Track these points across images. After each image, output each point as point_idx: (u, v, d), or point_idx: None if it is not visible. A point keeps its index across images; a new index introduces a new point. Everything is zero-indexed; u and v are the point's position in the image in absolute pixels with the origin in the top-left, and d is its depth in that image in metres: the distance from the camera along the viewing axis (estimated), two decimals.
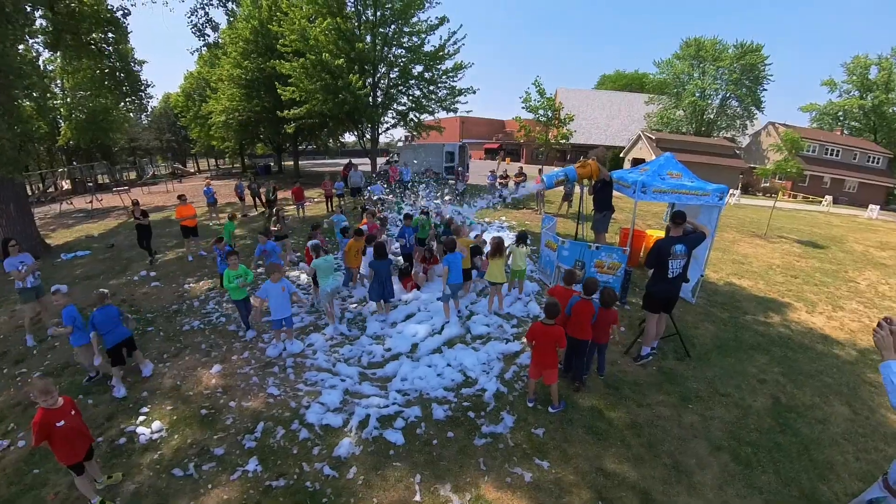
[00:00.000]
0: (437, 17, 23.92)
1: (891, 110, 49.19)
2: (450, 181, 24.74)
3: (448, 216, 12.09)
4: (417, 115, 27.03)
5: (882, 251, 16.69)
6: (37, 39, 16.67)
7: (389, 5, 23.18)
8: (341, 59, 21.53)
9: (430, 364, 6.95)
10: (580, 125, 49.36)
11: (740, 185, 39.33)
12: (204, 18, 20.81)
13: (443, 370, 6.80)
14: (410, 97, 26.55)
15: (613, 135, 54.28)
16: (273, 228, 11.98)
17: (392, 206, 14.91)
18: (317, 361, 7.11)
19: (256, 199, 20.16)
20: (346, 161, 28.59)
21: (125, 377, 6.53)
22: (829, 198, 34.78)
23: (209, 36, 21.72)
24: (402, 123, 27.86)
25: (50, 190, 32.70)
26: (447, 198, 15.91)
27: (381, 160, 30.93)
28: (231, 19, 25.60)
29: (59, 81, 33.47)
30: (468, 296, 9.41)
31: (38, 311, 8.36)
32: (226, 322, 8.53)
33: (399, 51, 25.06)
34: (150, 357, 7.17)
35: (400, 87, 26.27)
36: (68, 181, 34.19)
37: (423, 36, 24.35)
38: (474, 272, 9.67)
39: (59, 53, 19.32)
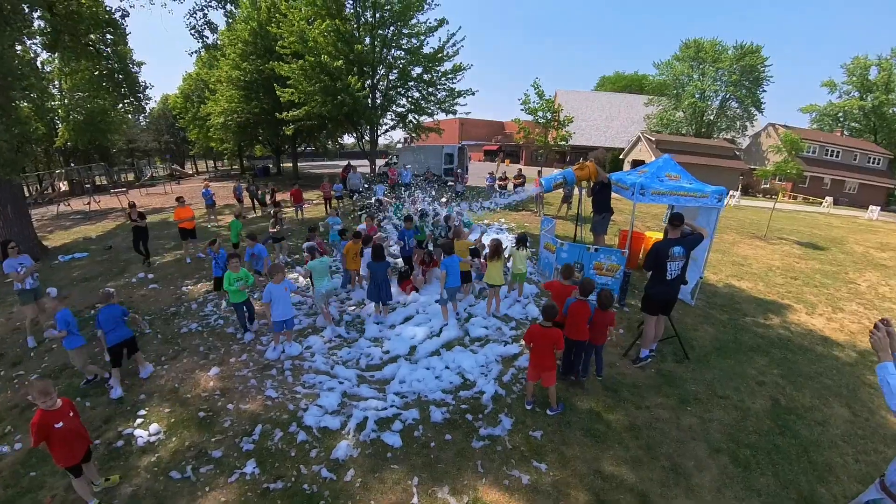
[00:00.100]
0: (436, 19, 23.99)
1: (891, 111, 49.27)
2: (449, 183, 24.72)
3: (449, 214, 12.07)
4: (416, 116, 27.04)
5: (882, 252, 16.69)
6: (35, 40, 16.70)
7: (388, 7, 23.18)
8: (340, 61, 21.54)
9: (428, 366, 6.93)
10: (579, 127, 49.40)
11: (740, 187, 39.34)
12: (203, 20, 20.82)
13: (441, 372, 6.78)
14: (409, 99, 26.54)
15: (613, 136, 54.31)
16: (271, 230, 11.97)
17: (389, 210, 14.87)
18: (315, 364, 7.09)
19: (255, 200, 20.15)
20: (344, 163, 28.54)
21: (123, 379, 6.50)
22: (829, 199, 34.79)
23: (208, 38, 21.73)
24: (401, 125, 27.87)
25: (47, 191, 32.67)
26: (443, 200, 15.87)
27: (379, 162, 30.93)
28: (230, 21, 25.59)
29: (56, 82, 33.49)
30: (467, 298, 9.40)
31: (37, 312, 8.35)
32: (224, 324, 8.51)
33: (398, 52, 25.07)
34: (148, 359, 7.15)
35: (399, 89, 26.26)
36: (66, 183, 34.14)
37: (422, 38, 24.36)
38: (473, 274, 9.65)
39: (57, 54, 19.34)
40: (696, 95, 49.83)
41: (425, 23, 24.24)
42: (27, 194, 27.30)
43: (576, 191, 12.15)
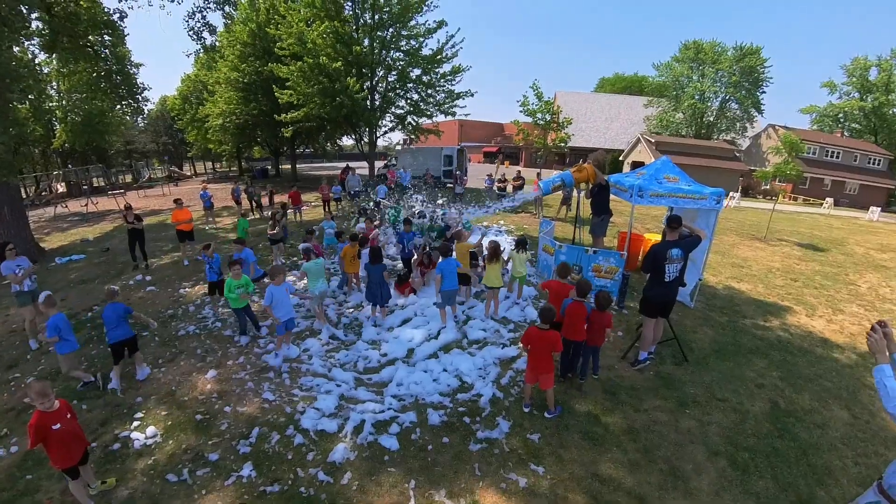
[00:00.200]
0: (435, 21, 24.03)
1: (891, 112, 49.33)
2: (448, 185, 24.71)
3: (446, 212, 12.06)
4: (415, 118, 27.05)
5: (883, 253, 16.67)
6: (33, 41, 16.67)
7: (387, 9, 23.21)
8: (339, 63, 21.56)
9: (426, 369, 6.92)
10: (579, 128, 49.48)
11: (740, 188, 39.34)
12: (201, 22, 20.80)
13: (439, 375, 6.76)
14: (408, 100, 26.58)
15: (613, 138, 54.36)
16: (270, 232, 11.95)
17: (387, 213, 14.84)
18: (312, 366, 7.07)
19: (253, 202, 20.12)
20: (343, 165, 28.54)
21: (120, 382, 6.51)
22: (829, 200, 34.78)
23: (206, 39, 21.72)
24: (399, 127, 27.88)
25: (45, 193, 32.58)
26: (440, 201, 15.87)
27: (378, 163, 30.92)
28: (228, 22, 25.59)
29: (54, 84, 33.43)
30: (466, 300, 9.37)
31: (35, 314, 8.33)
32: (221, 327, 8.49)
33: (397, 54, 25.13)
34: (145, 362, 7.11)
35: (398, 91, 26.31)
36: (63, 184, 33.98)
37: (421, 39, 24.40)
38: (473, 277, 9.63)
39: (55, 56, 19.27)
40: (696, 97, 49.94)
41: (424, 24, 24.31)
42: (24, 196, 27.31)
43: (575, 193, 12.12)
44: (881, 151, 45.67)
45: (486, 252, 8.88)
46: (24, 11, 13.40)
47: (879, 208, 30.98)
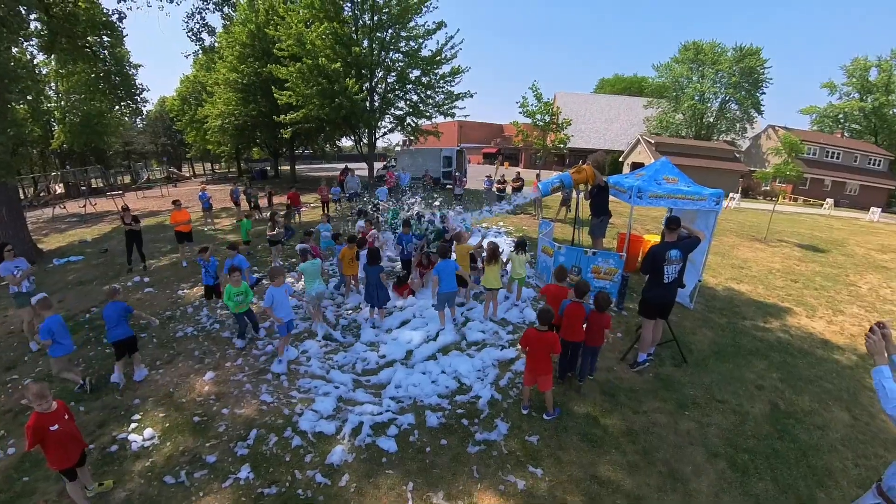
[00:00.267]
0: (434, 22, 24.03)
1: (891, 112, 49.40)
2: (447, 186, 24.69)
3: (444, 214, 12.05)
4: (415, 119, 27.03)
5: (883, 254, 16.67)
6: (31, 42, 16.66)
7: (387, 10, 23.21)
8: (338, 64, 21.54)
9: (424, 371, 6.90)
10: (579, 129, 49.53)
11: (740, 189, 39.35)
12: (200, 23, 20.81)
13: (437, 377, 6.74)
14: (408, 102, 26.57)
15: (612, 139, 54.42)
16: (269, 234, 11.92)
17: (388, 215, 14.82)
18: (310, 368, 7.06)
19: (251, 203, 20.09)
20: (342, 166, 28.52)
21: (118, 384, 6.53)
22: (830, 201, 34.80)
23: (205, 40, 21.73)
24: (399, 128, 27.87)
25: (43, 194, 32.51)
26: (436, 203, 15.85)
27: (377, 165, 30.89)
28: (227, 23, 25.58)
29: (53, 84, 33.43)
30: (466, 302, 9.35)
31: (33, 315, 8.31)
32: (219, 329, 8.47)
33: (396, 55, 25.12)
34: (143, 363, 7.09)
35: (397, 92, 26.29)
36: (61, 185, 33.93)
37: (421, 40, 24.39)
38: (473, 278, 9.60)
39: (53, 56, 19.25)
40: (696, 97, 49.99)
41: (424, 25, 24.30)
42: (22, 197, 27.30)
43: (574, 194, 12.10)
44: (881, 152, 45.71)
45: (484, 253, 8.86)
46: (23, 12, 13.40)
47: (880, 209, 31.00)
